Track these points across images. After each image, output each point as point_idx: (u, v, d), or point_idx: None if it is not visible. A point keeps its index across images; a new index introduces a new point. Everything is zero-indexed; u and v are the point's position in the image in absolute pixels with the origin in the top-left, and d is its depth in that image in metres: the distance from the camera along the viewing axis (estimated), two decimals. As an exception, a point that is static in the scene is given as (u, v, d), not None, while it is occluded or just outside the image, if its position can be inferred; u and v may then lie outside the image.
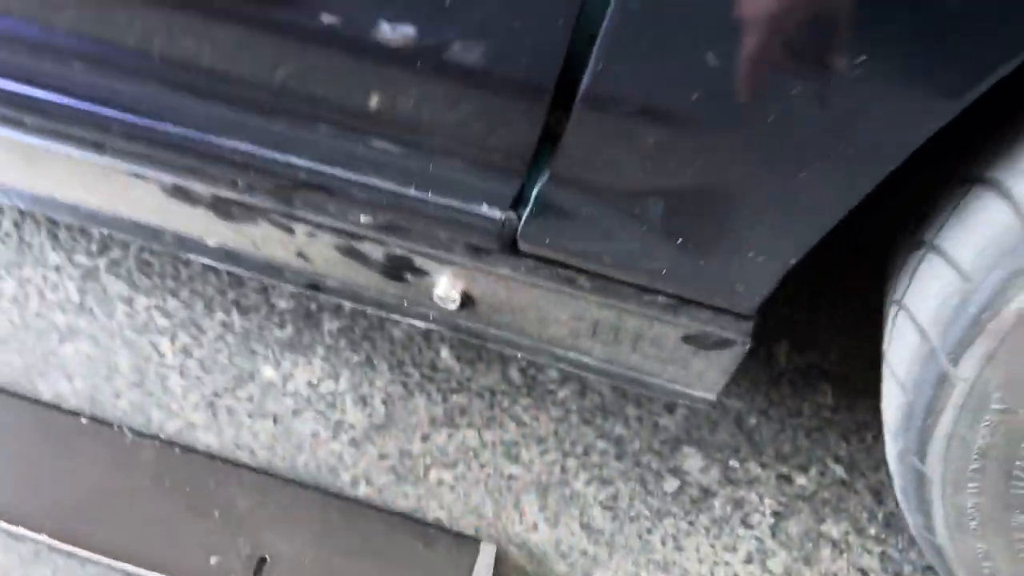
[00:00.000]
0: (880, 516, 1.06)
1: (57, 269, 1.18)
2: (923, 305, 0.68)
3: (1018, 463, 0.68)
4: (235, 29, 0.74)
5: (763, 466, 1.09)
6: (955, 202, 0.64)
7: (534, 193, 0.76)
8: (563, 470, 1.07)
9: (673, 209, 0.72)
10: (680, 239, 0.74)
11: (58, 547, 0.93)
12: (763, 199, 0.66)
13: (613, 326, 0.88)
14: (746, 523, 1.05)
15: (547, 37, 0.61)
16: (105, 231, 1.11)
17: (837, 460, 1.11)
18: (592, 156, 0.69)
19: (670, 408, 1.14)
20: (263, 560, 0.94)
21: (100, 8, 0.76)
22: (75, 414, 1.04)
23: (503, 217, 0.79)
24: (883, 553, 1.04)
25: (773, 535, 1.04)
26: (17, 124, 0.91)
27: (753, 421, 1.13)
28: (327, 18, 0.69)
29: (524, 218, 0.78)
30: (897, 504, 1.03)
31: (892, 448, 0.78)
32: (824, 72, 0.56)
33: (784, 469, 1.10)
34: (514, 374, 1.15)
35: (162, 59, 0.78)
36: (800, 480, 1.09)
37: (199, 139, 0.83)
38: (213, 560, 0.93)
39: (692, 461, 1.09)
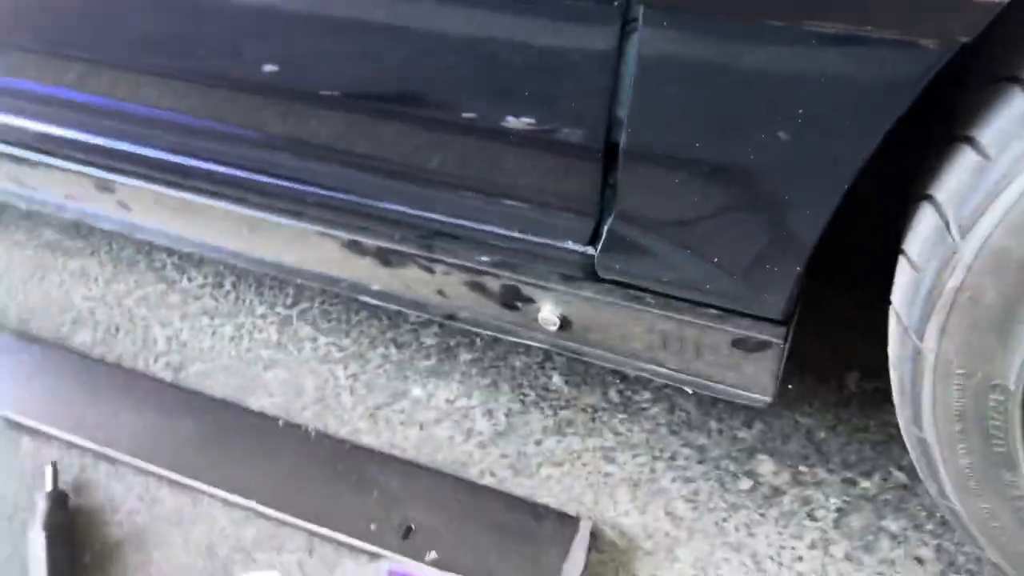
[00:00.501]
0: (938, 515, 1.19)
1: (263, 317, 1.55)
2: (897, 296, 0.87)
3: (991, 422, 0.85)
4: (399, 127, 1.05)
5: (830, 471, 1.26)
6: (910, 212, 0.85)
7: (605, 230, 1.01)
8: (652, 471, 1.28)
9: (705, 236, 0.95)
10: (715, 259, 0.97)
11: (262, 511, 1.24)
12: (761, 221, 0.89)
13: (677, 336, 1.10)
14: (812, 516, 1.21)
15: (593, 115, 0.88)
16: (299, 282, 1.46)
17: (900, 468, 1.26)
18: (640, 198, 0.94)
19: (748, 423, 1.33)
20: (410, 528, 1.20)
21: (301, 116, 1.11)
22: (275, 419, 1.37)
23: (583, 250, 1.05)
24: (939, 545, 1.16)
25: (836, 527, 1.20)
26: (244, 202, 1.28)
27: (822, 435, 1.30)
28: (467, 115, 0.99)
29: (599, 250, 1.03)
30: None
31: (901, 422, 0.95)
32: (772, 130, 0.80)
33: (849, 474, 1.25)
34: (613, 394, 1.38)
35: (344, 150, 1.12)
36: (864, 484, 1.24)
37: (368, 204, 1.14)
38: (372, 526, 1.21)
39: (765, 466, 1.27)
